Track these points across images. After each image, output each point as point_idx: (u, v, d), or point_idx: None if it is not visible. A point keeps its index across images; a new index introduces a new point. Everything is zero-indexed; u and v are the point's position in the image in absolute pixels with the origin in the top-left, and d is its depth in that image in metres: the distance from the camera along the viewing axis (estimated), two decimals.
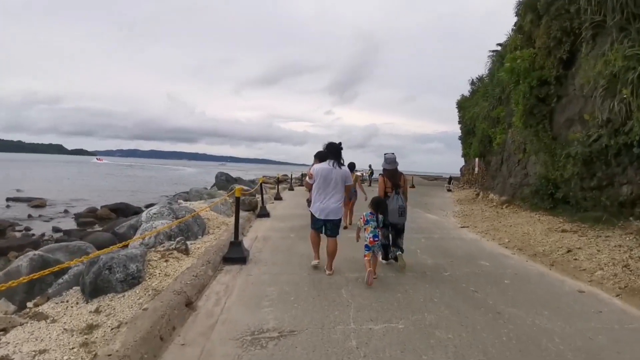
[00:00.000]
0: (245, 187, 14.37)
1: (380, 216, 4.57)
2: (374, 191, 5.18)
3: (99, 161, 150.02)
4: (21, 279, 2.81)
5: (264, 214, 9.60)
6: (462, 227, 9.14)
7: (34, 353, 2.82)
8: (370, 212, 4.58)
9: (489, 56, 20.27)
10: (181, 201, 9.97)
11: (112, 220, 14.68)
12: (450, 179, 27.66)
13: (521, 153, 11.57)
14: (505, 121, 14.14)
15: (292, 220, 8.95)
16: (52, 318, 3.63)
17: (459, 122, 25.06)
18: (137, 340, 2.62)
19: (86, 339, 2.99)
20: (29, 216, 16.37)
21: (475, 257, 5.91)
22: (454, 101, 26.16)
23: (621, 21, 7.13)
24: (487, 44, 25.73)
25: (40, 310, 3.90)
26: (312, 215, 4.85)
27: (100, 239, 7.91)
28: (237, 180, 22.95)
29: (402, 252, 5.10)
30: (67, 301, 4.01)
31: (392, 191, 5.02)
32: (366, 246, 4.41)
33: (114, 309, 3.51)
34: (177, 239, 5.40)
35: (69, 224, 14.88)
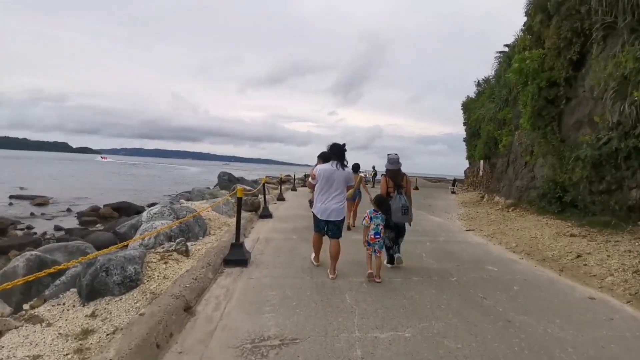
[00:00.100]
0: (248, 187, 14.28)
1: (383, 215, 4.60)
2: (377, 192, 5.13)
3: (103, 159, 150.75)
4: (15, 281, 2.71)
5: (267, 214, 9.49)
6: (467, 230, 8.99)
7: (28, 358, 2.73)
8: (374, 210, 4.61)
9: (495, 57, 20.13)
10: (183, 201, 9.88)
11: (115, 219, 14.64)
12: (455, 181, 27.48)
13: (528, 155, 11.40)
14: (512, 123, 13.98)
15: (294, 221, 8.84)
16: (47, 321, 3.56)
17: (464, 124, 24.91)
18: (132, 347, 2.51)
19: (81, 344, 2.88)
20: (32, 214, 16.36)
21: (482, 262, 5.77)
22: (458, 102, 26.00)
23: (632, 22, 7.02)
24: (493, 45, 25.59)
25: (36, 313, 3.83)
26: (315, 216, 4.79)
27: (100, 239, 7.83)
28: (240, 180, 22.86)
29: (399, 252, 5.16)
30: (64, 304, 3.92)
31: (394, 191, 5.01)
32: (367, 242, 4.56)
33: (110, 313, 3.40)
34: (178, 240, 5.28)
35: (71, 223, 14.84)
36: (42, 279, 4.23)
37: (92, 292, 3.69)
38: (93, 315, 3.42)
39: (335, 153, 4.73)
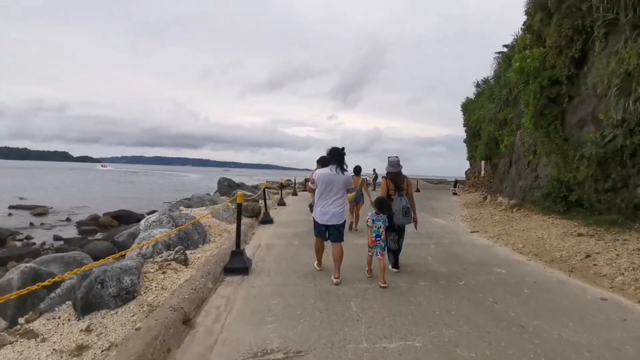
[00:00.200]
0: (248, 193, 14.14)
1: (384, 216, 4.65)
2: (378, 195, 5.07)
3: (103, 168, 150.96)
4: (8, 295, 2.59)
5: (267, 220, 9.37)
6: (472, 231, 8.84)
7: None
8: (375, 212, 4.66)
9: (494, 58, 20.05)
10: (182, 208, 9.73)
11: (114, 227, 14.51)
12: (456, 182, 27.33)
13: (531, 155, 11.27)
14: (513, 123, 13.87)
15: (296, 227, 8.70)
16: (42, 336, 3.47)
17: (464, 125, 24.78)
18: None
19: None
20: (31, 224, 16.24)
21: (490, 264, 5.63)
22: (458, 104, 25.88)
23: (634, 19, 6.93)
24: (492, 46, 25.63)
25: (31, 327, 3.75)
26: (315, 221, 4.78)
27: (98, 248, 7.69)
28: (240, 186, 22.70)
29: (400, 252, 5.23)
30: (59, 317, 3.82)
31: (394, 193, 5.01)
32: (368, 245, 4.67)
33: (106, 327, 3.25)
34: (176, 249, 5.13)
35: (71, 232, 14.71)
36: (38, 292, 4.12)
37: (87, 305, 3.55)
38: (88, 329, 3.29)
39: (335, 157, 4.74)
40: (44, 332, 3.53)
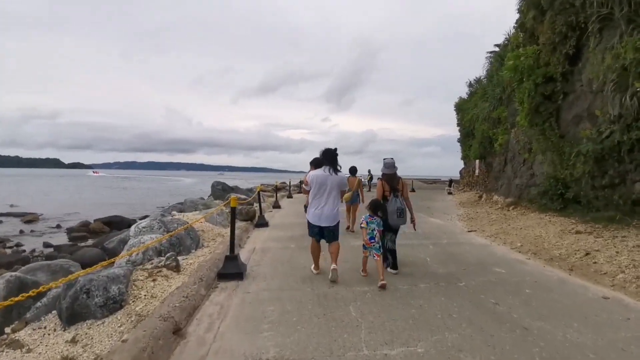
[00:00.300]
0: (242, 196, 13.96)
1: (378, 218, 4.67)
2: (374, 196, 5.10)
3: (95, 174, 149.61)
4: None
5: (263, 223, 9.25)
6: (469, 231, 8.75)
7: None
8: (369, 215, 4.67)
9: (486, 57, 20.10)
10: (175, 212, 9.54)
11: (105, 233, 14.28)
12: (451, 181, 27.34)
13: (527, 153, 11.22)
14: (508, 121, 13.84)
15: (292, 229, 8.57)
16: (27, 347, 3.37)
17: (458, 125, 24.81)
18: None
19: None
20: (21, 232, 15.98)
21: (489, 264, 5.52)
22: (451, 104, 25.93)
23: (629, 13, 6.88)
24: (483, 46, 25.71)
25: (17, 337, 3.65)
26: (309, 223, 4.76)
27: (87, 255, 7.50)
28: (234, 189, 22.48)
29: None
30: (45, 327, 3.69)
31: (390, 195, 5.00)
32: (363, 245, 4.71)
33: (92, 338, 3.09)
34: (168, 255, 4.96)
35: (61, 239, 14.46)
36: (24, 301, 3.98)
37: (72, 315, 3.39)
38: (74, 340, 3.13)
39: (327, 158, 4.73)
40: (30, 343, 3.42)
